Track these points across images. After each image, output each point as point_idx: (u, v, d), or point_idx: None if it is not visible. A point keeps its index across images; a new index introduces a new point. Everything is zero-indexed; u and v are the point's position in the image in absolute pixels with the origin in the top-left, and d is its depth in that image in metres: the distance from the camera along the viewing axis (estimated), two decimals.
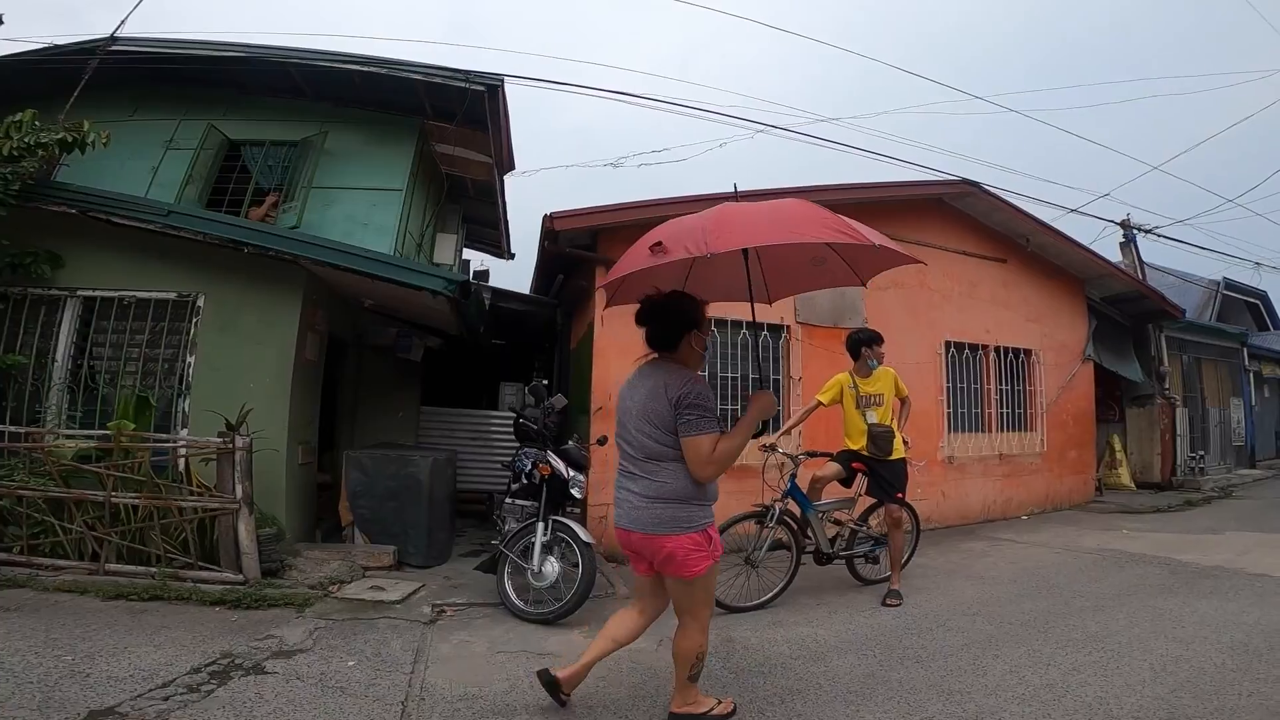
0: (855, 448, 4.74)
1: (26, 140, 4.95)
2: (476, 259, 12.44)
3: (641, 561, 2.57)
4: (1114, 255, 11.61)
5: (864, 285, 3.16)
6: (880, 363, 4.79)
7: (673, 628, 2.63)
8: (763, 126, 10.25)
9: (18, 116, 5.05)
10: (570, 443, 4.89)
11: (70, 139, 5.14)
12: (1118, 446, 10.47)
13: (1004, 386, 8.41)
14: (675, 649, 2.59)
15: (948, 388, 7.82)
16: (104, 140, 5.27)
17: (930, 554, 5.82)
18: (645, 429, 2.42)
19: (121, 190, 5.65)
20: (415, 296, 5.53)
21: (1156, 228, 12.23)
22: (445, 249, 8.69)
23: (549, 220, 5.83)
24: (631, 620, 2.72)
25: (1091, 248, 9.20)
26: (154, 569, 4.23)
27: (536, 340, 10.01)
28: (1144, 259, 12.30)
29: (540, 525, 4.28)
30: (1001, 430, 8.27)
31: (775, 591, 4.51)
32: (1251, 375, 13.87)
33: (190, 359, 5.25)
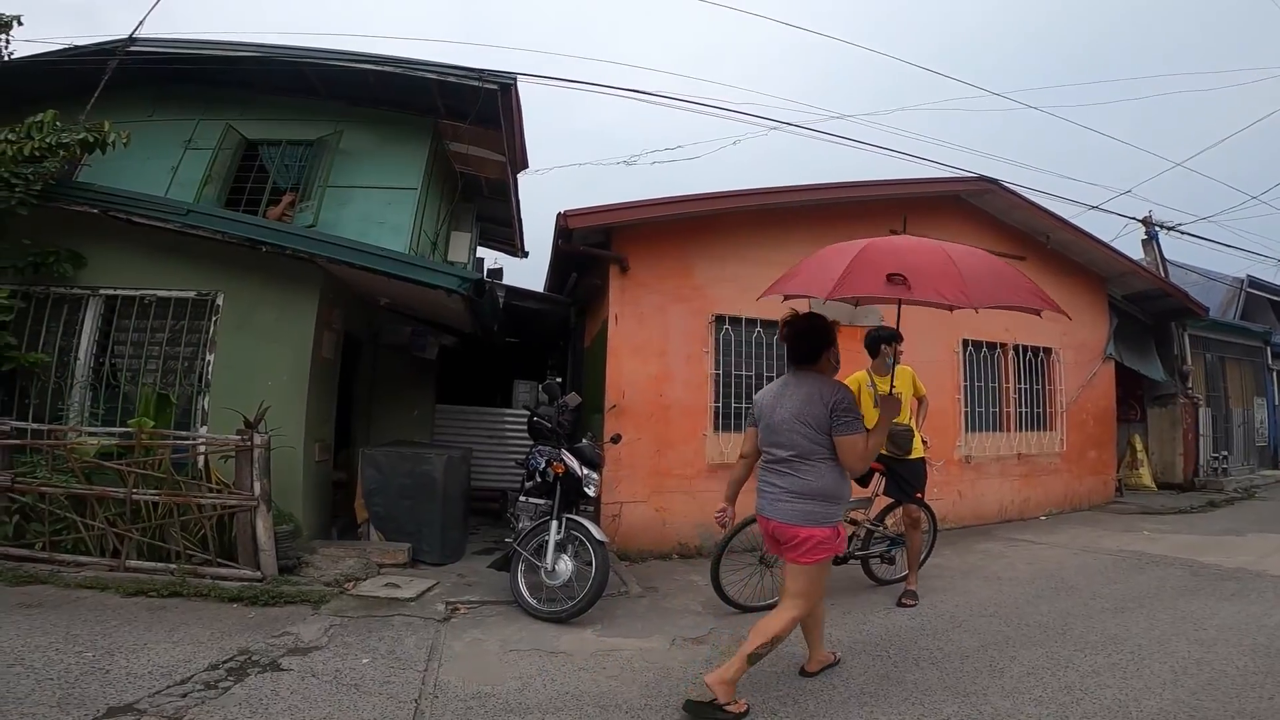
0: None
1: (48, 140, 5.02)
2: (490, 257, 12.53)
3: (776, 545, 2.94)
4: (1136, 252, 11.41)
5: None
6: (898, 361, 4.75)
7: (682, 630, 2.67)
8: (776, 124, 10.16)
9: (39, 117, 5.13)
10: (584, 441, 4.89)
11: (91, 139, 5.21)
12: (1139, 446, 10.31)
13: (1023, 385, 8.30)
14: (760, 624, 2.84)
15: (965, 386, 7.73)
16: (125, 140, 5.34)
17: (946, 555, 5.77)
18: (800, 429, 2.79)
19: (142, 190, 5.71)
20: (430, 295, 5.55)
21: (1179, 225, 12.01)
22: (459, 247, 8.72)
23: (563, 218, 5.83)
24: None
25: (1113, 245, 9.06)
26: (173, 565, 4.27)
27: (551, 338, 10.02)
28: (1166, 256, 12.08)
29: (554, 523, 4.28)
30: (1020, 430, 8.17)
31: None
32: (1275, 375, 13.58)
33: (210, 357, 5.30)
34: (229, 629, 3.55)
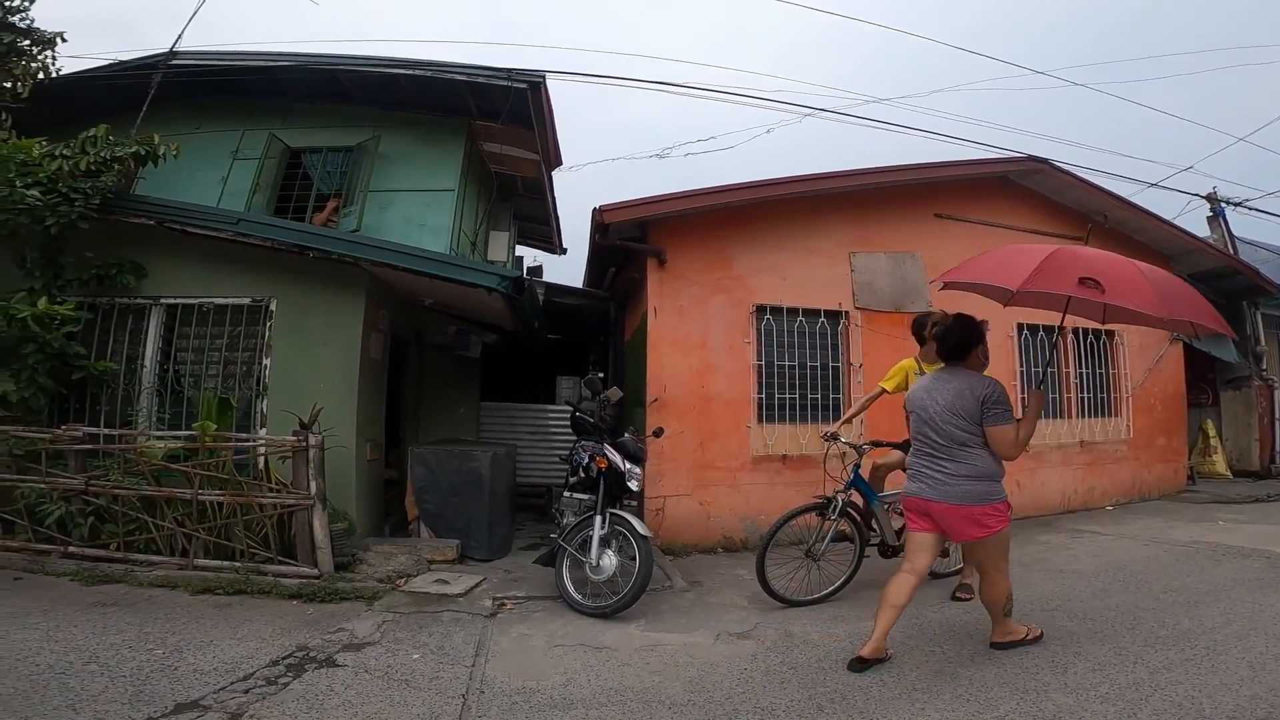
0: None
1: (102, 154, 5.25)
2: (530, 255, 12.64)
3: (927, 521, 3.23)
4: (1201, 230, 10.78)
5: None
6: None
7: (727, 625, 3.00)
8: (811, 110, 9.92)
9: (91, 131, 5.36)
10: (626, 435, 4.88)
11: (143, 151, 5.44)
12: (1211, 432, 9.74)
13: (1084, 370, 7.94)
14: (985, 599, 3.29)
15: (1021, 372, 7.44)
16: (174, 152, 5.54)
17: None
18: (954, 421, 3.10)
19: (195, 200, 5.95)
20: (471, 294, 5.63)
21: (1246, 200, 11.27)
22: (498, 246, 8.83)
23: (598, 213, 5.82)
24: (906, 583, 3.23)
25: (1175, 223, 8.56)
26: (237, 564, 4.44)
27: (592, 334, 10.06)
28: (1234, 233, 11.36)
29: (598, 519, 4.30)
30: (1082, 416, 7.82)
31: (837, 585, 4.40)
32: None
33: (266, 361, 5.47)
34: (289, 625, 3.67)
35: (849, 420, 5.03)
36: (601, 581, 4.16)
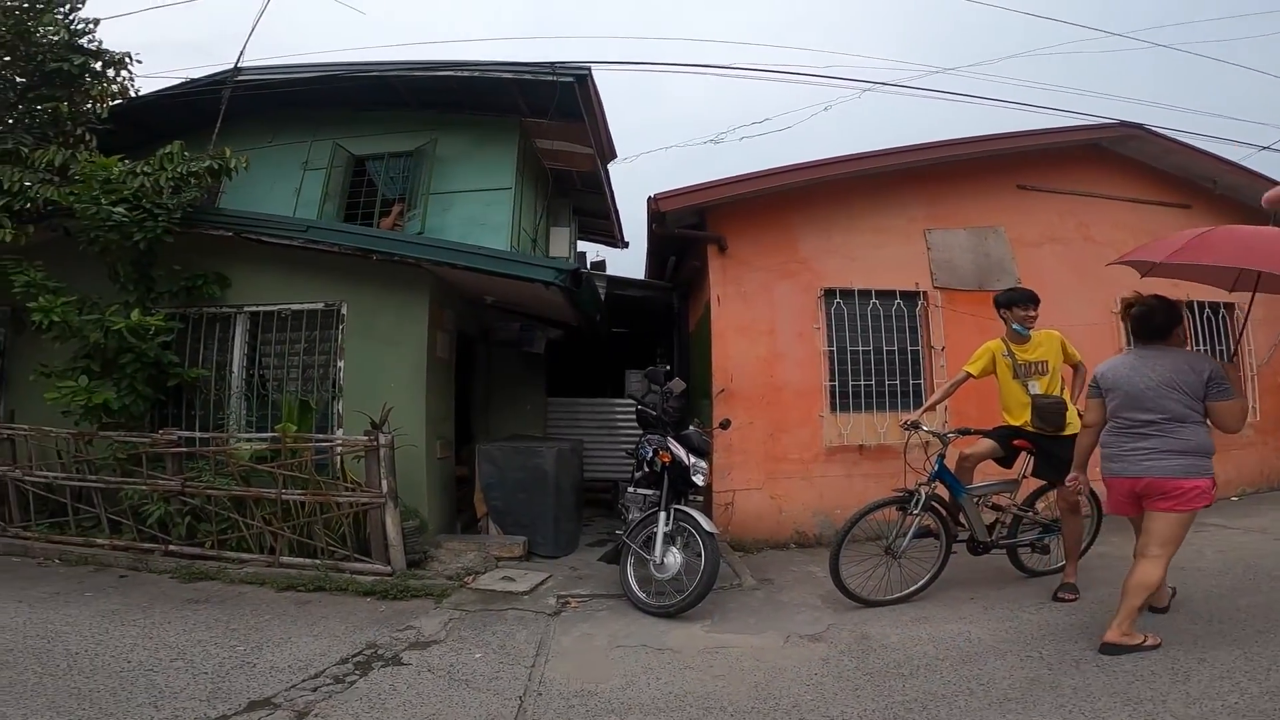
0: (1017, 423, 4.20)
1: (179, 170, 5.52)
2: (593, 250, 12.63)
3: (1134, 504, 3.25)
4: None
5: None
6: (1029, 327, 4.21)
7: (798, 626, 2.92)
8: (870, 84, 9.40)
9: (168, 148, 5.63)
10: (691, 428, 4.74)
11: (216, 165, 5.69)
12: None
13: (1201, 347, 7.16)
14: (1134, 581, 3.13)
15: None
16: (244, 164, 5.78)
17: (1114, 541, 5.01)
18: (1173, 396, 3.12)
19: (273, 211, 6.21)
20: (530, 289, 5.62)
21: None
22: (560, 242, 8.85)
23: (653, 202, 5.69)
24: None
25: None
26: (318, 561, 4.61)
27: (659, 326, 9.96)
28: None
29: (662, 515, 4.18)
30: None
31: (920, 584, 4.12)
32: None
33: (340, 364, 5.63)
34: (361, 622, 3.75)
35: (931, 407, 4.72)
36: (666, 580, 4.04)
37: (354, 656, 3.25)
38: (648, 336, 10.21)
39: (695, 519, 4.12)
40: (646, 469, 4.62)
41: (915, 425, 4.21)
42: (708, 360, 6.09)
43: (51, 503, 5.21)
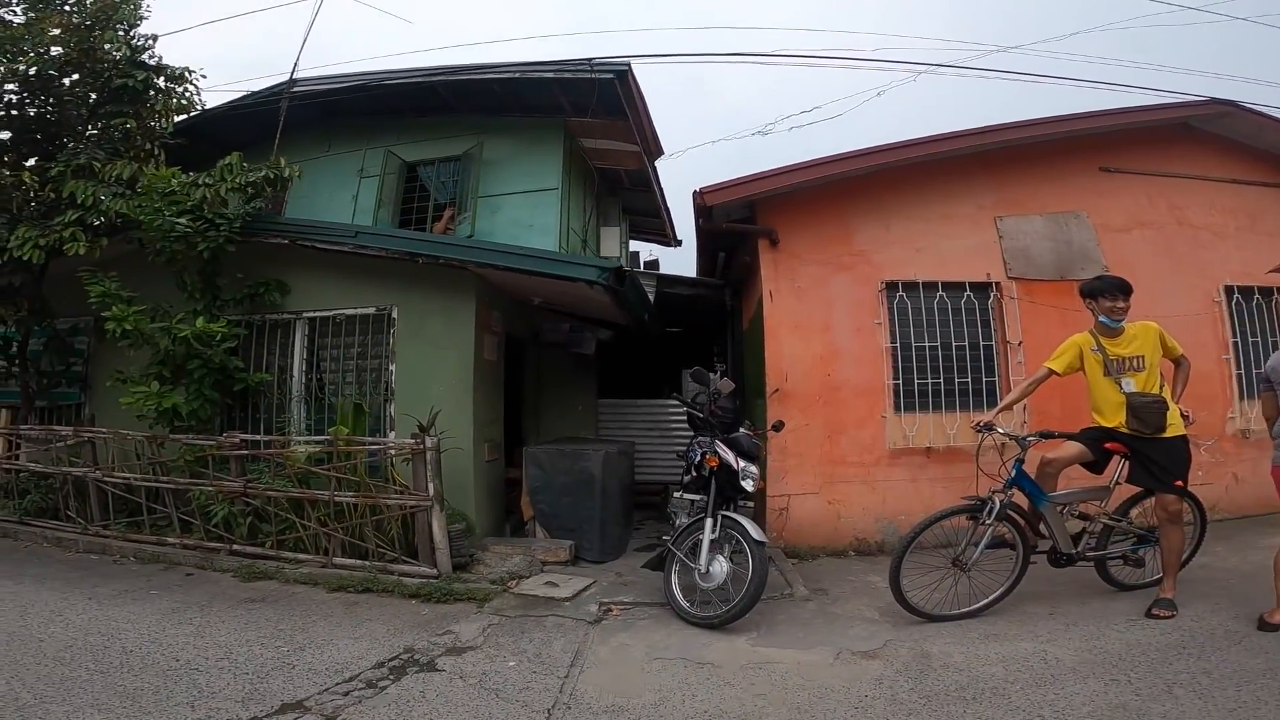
0: (1109, 424, 3.79)
1: (238, 180, 5.73)
2: (646, 250, 12.53)
3: None
4: None
5: None
6: (1119, 319, 3.79)
7: (851, 641, 3.06)
8: (925, 66, 8.86)
9: (227, 159, 5.84)
10: (740, 430, 4.52)
11: (273, 175, 5.88)
12: None
13: None
14: None
15: (1235, 344, 6.10)
16: (298, 173, 5.95)
17: (1219, 552, 4.52)
18: None
19: (333, 219, 6.37)
20: (575, 289, 5.54)
21: None
22: (610, 242, 8.77)
23: (699, 196, 5.51)
24: None
25: None
26: (368, 563, 4.64)
27: (713, 325, 9.74)
28: None
29: (708, 521, 4.00)
30: None
31: (991, 598, 3.78)
32: None
33: (392, 367, 5.70)
34: (402, 625, 3.73)
35: (1008, 407, 4.31)
36: (711, 589, 3.85)
37: (390, 660, 3.22)
38: (702, 336, 10.00)
39: (743, 526, 3.91)
40: (694, 473, 4.44)
41: (989, 427, 3.86)
42: (760, 359, 5.85)
43: (130, 503, 5.48)
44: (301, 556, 4.87)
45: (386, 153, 7.70)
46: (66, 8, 6.07)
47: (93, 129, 6.27)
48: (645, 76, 7.12)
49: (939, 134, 5.86)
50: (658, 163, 9.05)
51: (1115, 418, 3.74)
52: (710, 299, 8.15)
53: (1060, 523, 3.83)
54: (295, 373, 6.01)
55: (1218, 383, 5.94)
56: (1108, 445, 3.81)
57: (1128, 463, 3.78)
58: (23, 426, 6.22)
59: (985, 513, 3.69)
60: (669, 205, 10.72)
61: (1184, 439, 3.68)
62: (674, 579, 4.02)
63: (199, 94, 6.45)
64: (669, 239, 11.85)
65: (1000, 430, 3.89)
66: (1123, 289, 3.79)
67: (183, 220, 5.34)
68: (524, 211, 7.18)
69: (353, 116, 7.93)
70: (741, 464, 4.23)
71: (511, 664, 3.20)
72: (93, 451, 5.63)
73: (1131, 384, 3.71)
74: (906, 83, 9.45)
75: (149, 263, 5.70)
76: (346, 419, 5.34)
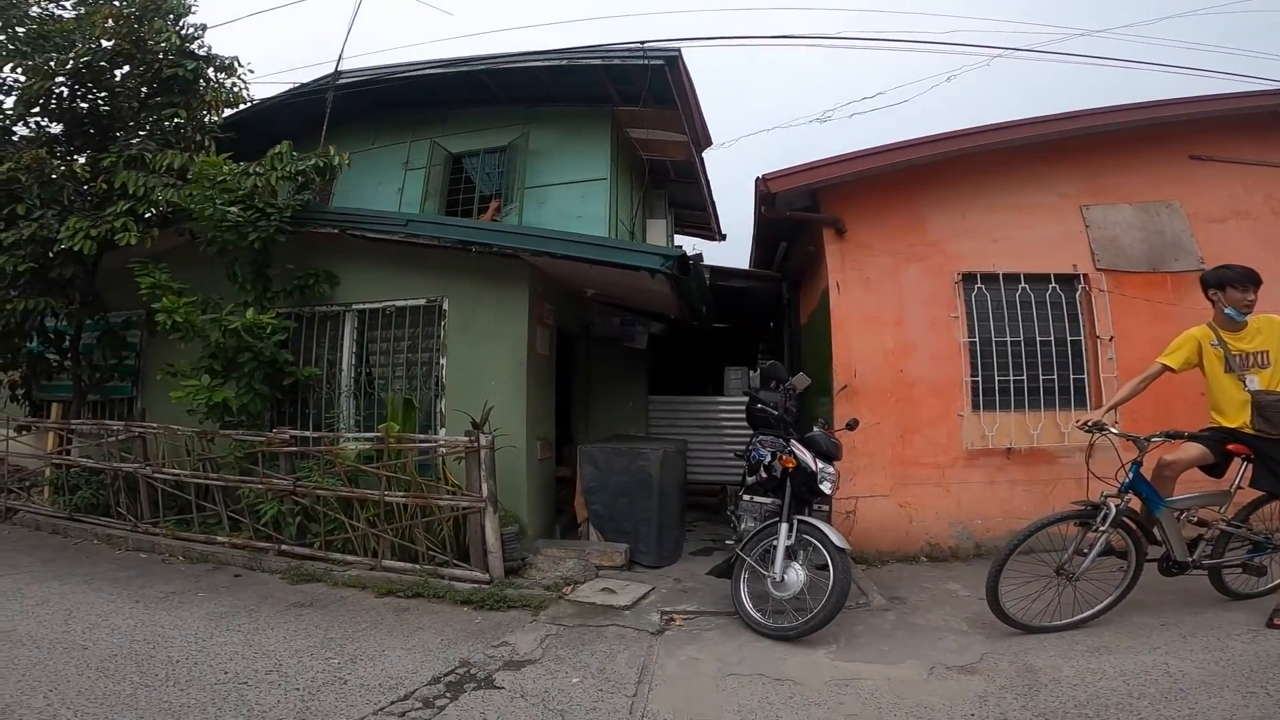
0: (1232, 425, 3.49)
1: (288, 169, 5.62)
2: (689, 244, 12.25)
3: None
4: None
5: None
6: (1247, 312, 3.51)
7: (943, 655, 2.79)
8: (1000, 51, 8.35)
9: (278, 148, 5.75)
10: (816, 429, 4.20)
11: (321, 164, 5.76)
12: None
13: None
14: None
15: None
16: (347, 161, 5.82)
17: None
18: None
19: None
20: (634, 279, 5.28)
21: None
22: (656, 234, 8.52)
23: (762, 182, 5.21)
24: None
25: None
26: (418, 566, 4.45)
27: (760, 320, 9.40)
28: None
29: (783, 526, 3.71)
30: None
31: (1098, 609, 3.48)
32: None
33: (443, 361, 5.51)
34: (456, 635, 3.53)
35: (1116, 405, 3.96)
36: (785, 599, 3.56)
37: (445, 675, 3.00)
38: (749, 332, 9.67)
39: (823, 532, 3.62)
40: (763, 474, 4.12)
41: (1100, 426, 3.55)
42: (826, 354, 5.51)
43: (179, 499, 5.41)
44: (350, 558, 4.71)
45: (432, 144, 7.57)
46: (116, 2, 6.05)
47: (144, 122, 6.24)
48: (691, 64, 6.89)
49: (1021, 120, 5.48)
50: (705, 156, 8.79)
51: (1238, 417, 3.48)
52: (762, 292, 7.81)
53: (1177, 530, 3.55)
54: (344, 367, 5.86)
55: None
56: (1229, 447, 3.52)
57: (1250, 466, 3.49)
58: (74, 420, 6.22)
59: (1100, 519, 3.39)
60: (714, 199, 10.42)
61: None
62: (743, 587, 3.74)
63: (247, 87, 6.38)
64: (714, 233, 11.54)
65: (1113, 431, 3.59)
66: (1253, 280, 3.54)
67: (234, 209, 5.25)
68: (571, 202, 6.95)
69: (397, 108, 7.83)
70: (820, 465, 3.92)
71: (575, 680, 2.95)
72: (143, 447, 5.58)
73: (1256, 381, 3.44)
74: (979, 67, 8.89)
75: (200, 254, 5.63)
76: (397, 415, 5.16)
